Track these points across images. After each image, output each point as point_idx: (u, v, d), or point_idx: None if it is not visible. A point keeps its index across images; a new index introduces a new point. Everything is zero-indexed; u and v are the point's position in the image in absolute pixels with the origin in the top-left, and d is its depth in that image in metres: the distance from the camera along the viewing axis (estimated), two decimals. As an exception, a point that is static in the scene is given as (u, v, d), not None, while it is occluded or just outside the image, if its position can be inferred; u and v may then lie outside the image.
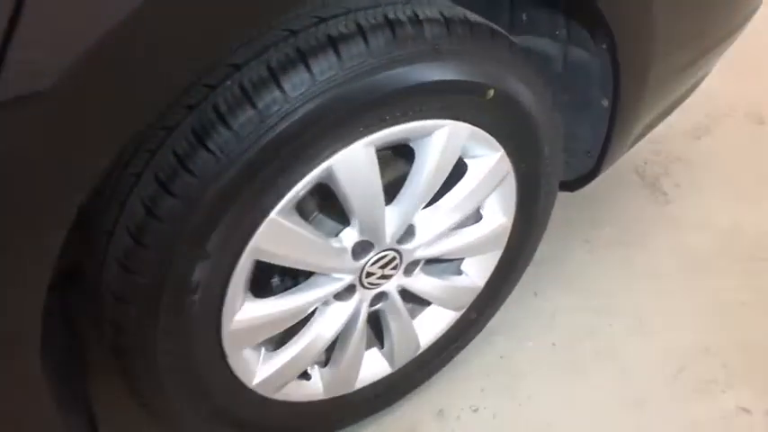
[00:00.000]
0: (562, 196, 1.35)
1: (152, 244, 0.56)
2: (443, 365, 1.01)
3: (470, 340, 1.02)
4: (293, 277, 0.75)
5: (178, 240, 0.56)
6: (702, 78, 1.11)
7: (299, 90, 0.55)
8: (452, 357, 1.01)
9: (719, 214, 1.37)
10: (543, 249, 1.24)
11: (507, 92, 0.69)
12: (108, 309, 0.60)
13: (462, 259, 0.90)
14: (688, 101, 1.72)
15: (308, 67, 0.54)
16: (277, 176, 0.58)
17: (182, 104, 0.55)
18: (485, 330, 1.05)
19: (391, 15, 0.58)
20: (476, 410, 1.00)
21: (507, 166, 0.78)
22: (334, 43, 0.55)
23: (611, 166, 0.97)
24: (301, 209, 0.69)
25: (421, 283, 0.85)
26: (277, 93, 0.54)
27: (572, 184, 1.01)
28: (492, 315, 1.01)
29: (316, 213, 0.72)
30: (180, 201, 0.55)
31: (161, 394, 0.68)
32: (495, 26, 0.66)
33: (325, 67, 0.55)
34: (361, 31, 0.56)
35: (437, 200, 0.76)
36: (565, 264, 1.24)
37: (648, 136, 1.57)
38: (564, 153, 0.94)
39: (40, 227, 0.47)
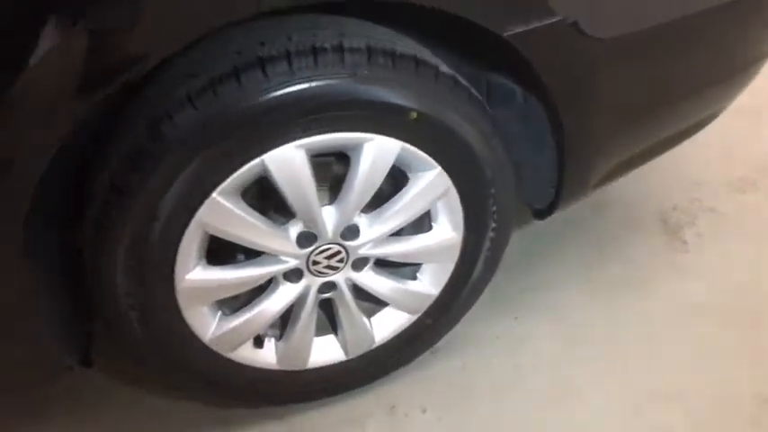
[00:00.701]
0: (573, 229, 1.40)
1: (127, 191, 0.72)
2: (401, 365, 1.10)
3: (429, 345, 1.10)
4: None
5: (136, 205, 0.73)
6: (707, 120, 1.12)
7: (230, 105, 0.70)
8: (410, 360, 1.10)
9: (735, 270, 1.33)
10: (540, 278, 1.30)
11: (432, 115, 0.79)
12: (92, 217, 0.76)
13: (420, 265, 1.00)
14: (743, 151, 1.67)
15: (239, 78, 0.69)
16: (219, 159, 0.73)
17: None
18: (456, 340, 1.13)
19: (318, 44, 0.71)
20: (424, 411, 1.07)
21: (446, 182, 0.87)
22: (262, 63, 0.69)
23: (574, 199, 1.02)
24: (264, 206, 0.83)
25: (371, 280, 0.95)
26: (212, 99, 0.69)
27: (539, 213, 1.06)
28: (450, 325, 1.08)
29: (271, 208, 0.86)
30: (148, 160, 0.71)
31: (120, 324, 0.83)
32: (423, 58, 0.77)
33: (256, 80, 0.70)
34: (288, 55, 0.70)
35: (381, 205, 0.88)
36: (557, 294, 1.28)
37: (689, 179, 1.56)
38: (527, 180, 1.01)
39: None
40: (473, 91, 0.83)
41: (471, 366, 1.14)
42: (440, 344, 1.11)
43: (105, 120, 0.73)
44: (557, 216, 1.06)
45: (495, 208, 0.93)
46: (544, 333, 1.20)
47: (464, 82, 0.82)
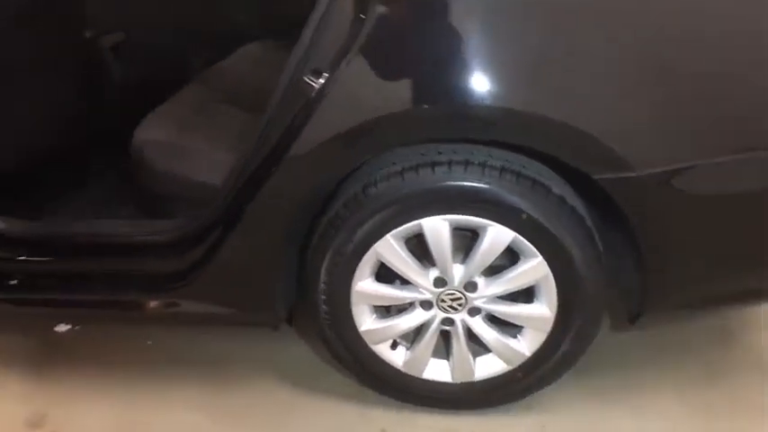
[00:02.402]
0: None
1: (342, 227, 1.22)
2: (490, 405, 1.41)
3: (517, 396, 1.39)
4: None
5: (343, 230, 1.22)
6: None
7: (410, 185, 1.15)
8: (499, 403, 1.40)
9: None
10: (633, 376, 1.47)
11: (539, 220, 1.14)
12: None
13: (521, 327, 1.32)
14: None
15: (417, 171, 1.15)
16: (394, 219, 1.19)
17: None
18: (539, 400, 1.39)
19: (470, 159, 1.13)
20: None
21: (546, 270, 1.20)
22: (433, 164, 1.14)
23: (660, 319, 1.24)
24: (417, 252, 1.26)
25: (480, 327, 1.31)
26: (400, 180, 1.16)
27: (632, 319, 1.30)
28: (538, 386, 1.37)
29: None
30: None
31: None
32: (540, 179, 1.14)
33: (427, 173, 1.15)
34: (449, 162, 1.13)
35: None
36: (647, 395, 1.44)
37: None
38: (615, 287, 1.28)
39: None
40: (577, 209, 1.17)
41: (551, 426, 1.39)
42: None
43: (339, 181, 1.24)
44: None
45: (584, 301, 1.23)
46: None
47: (570, 202, 1.16)
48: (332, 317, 1.33)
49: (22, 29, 1.54)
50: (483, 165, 1.13)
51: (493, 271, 1.26)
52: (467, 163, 1.14)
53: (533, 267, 1.20)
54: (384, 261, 1.25)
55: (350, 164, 1.18)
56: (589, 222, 1.19)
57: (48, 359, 1.65)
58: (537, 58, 1.07)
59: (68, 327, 1.71)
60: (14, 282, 1.48)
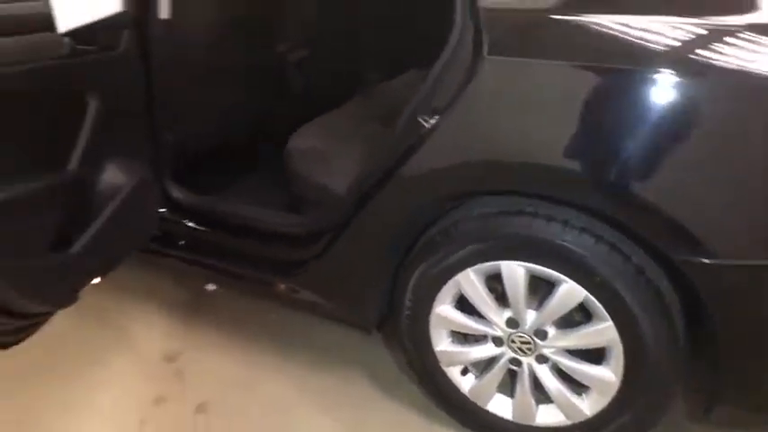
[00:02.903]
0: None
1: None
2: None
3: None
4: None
5: (432, 256, 1.35)
6: None
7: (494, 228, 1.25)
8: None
9: None
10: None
11: (614, 286, 1.16)
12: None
13: (588, 387, 1.33)
14: None
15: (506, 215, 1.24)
16: (477, 256, 1.29)
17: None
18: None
19: (553, 215, 1.19)
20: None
21: (614, 335, 1.21)
22: (520, 213, 1.22)
23: (735, 419, 1.17)
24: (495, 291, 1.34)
25: (546, 376, 1.35)
26: (487, 221, 1.26)
27: (706, 411, 1.24)
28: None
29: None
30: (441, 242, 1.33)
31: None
32: (620, 246, 1.15)
33: (508, 221, 1.23)
34: (535, 214, 1.20)
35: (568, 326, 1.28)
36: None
37: None
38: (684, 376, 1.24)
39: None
40: (656, 283, 1.16)
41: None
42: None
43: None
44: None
45: (651, 378, 1.21)
46: None
47: (650, 275, 1.16)
48: (412, 332, 1.47)
49: (230, 41, 1.91)
50: (565, 222, 1.19)
51: (566, 324, 1.30)
52: (550, 218, 1.20)
53: (602, 330, 1.22)
54: (462, 291, 1.35)
55: (444, 198, 1.31)
56: (669, 301, 1.17)
57: (193, 309, 2.01)
58: (650, 149, 1.10)
59: (215, 287, 2.07)
60: (182, 242, 1.84)
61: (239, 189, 1.98)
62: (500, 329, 1.36)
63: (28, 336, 1.43)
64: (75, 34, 1.20)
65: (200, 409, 1.64)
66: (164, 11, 1.60)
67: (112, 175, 1.43)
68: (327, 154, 1.73)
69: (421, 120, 1.25)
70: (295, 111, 2.09)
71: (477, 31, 1.16)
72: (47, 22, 1.03)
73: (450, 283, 1.35)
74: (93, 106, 1.32)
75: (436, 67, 1.24)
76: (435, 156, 1.28)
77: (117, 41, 1.38)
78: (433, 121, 1.24)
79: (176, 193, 1.79)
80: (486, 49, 1.14)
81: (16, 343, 1.41)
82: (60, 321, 1.52)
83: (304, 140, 1.78)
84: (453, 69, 1.21)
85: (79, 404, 1.65)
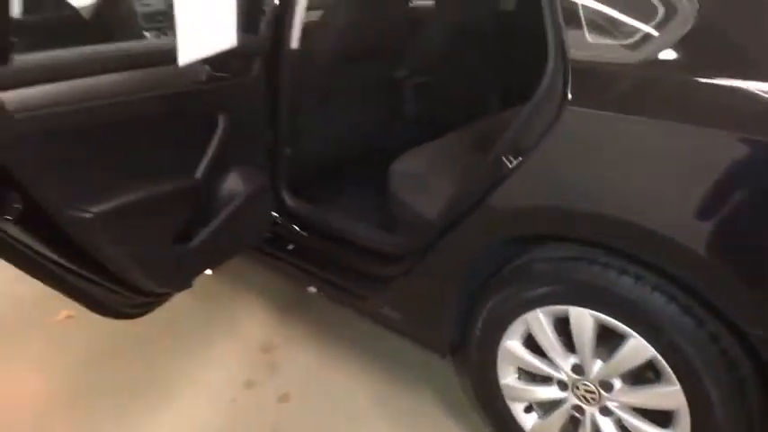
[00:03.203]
0: None
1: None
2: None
3: None
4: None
5: (504, 291, 1.39)
6: None
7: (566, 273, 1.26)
8: None
9: None
10: None
11: (686, 352, 1.12)
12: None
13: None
14: None
15: (562, 262, 1.25)
16: (547, 297, 1.31)
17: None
18: None
19: (628, 268, 1.18)
20: None
21: (682, 401, 1.17)
22: (589, 260, 1.23)
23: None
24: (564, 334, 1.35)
25: (608, 429, 1.33)
26: (559, 265, 1.27)
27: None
28: None
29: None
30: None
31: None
32: (692, 309, 1.11)
33: (572, 266, 1.24)
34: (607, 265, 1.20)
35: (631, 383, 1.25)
36: None
37: None
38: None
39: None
40: (731, 355, 1.11)
41: None
42: None
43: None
44: None
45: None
46: None
47: (725, 344, 1.11)
48: (480, 362, 1.51)
49: (351, 68, 2.08)
50: (637, 277, 1.17)
51: (635, 379, 1.27)
52: (622, 270, 1.19)
53: (669, 393, 1.19)
54: (530, 330, 1.37)
55: (520, 237, 1.35)
56: (743, 375, 1.11)
57: (294, 308, 2.20)
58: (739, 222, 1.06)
59: (315, 290, 2.24)
60: (290, 247, 2.04)
61: (346, 203, 2.13)
62: (565, 374, 1.36)
63: (151, 310, 1.68)
64: (213, 62, 1.41)
65: (283, 398, 1.80)
66: (294, 43, 1.80)
67: (233, 183, 1.64)
68: (425, 179, 1.82)
69: (505, 159, 1.31)
70: (409, 134, 2.21)
71: (565, 81, 1.19)
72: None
73: (520, 320, 1.38)
74: (222, 123, 1.53)
75: (525, 108, 1.29)
76: (515, 196, 1.32)
77: (249, 68, 1.59)
78: (515, 162, 1.29)
79: (290, 201, 1.98)
80: (569, 98, 1.17)
81: (141, 315, 1.66)
82: (177, 302, 1.76)
83: (406, 164, 1.89)
84: (540, 114, 1.25)
85: (181, 374, 1.90)
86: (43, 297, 2.17)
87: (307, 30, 1.87)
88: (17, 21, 2.08)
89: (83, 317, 1.93)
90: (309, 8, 1.92)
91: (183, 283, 1.60)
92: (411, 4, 3.25)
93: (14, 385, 1.91)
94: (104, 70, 1.28)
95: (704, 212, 1.08)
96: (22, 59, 1.14)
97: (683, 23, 1.11)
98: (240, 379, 1.88)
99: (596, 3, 1.20)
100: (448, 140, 2.06)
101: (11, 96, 1.09)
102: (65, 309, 2.13)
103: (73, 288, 1.42)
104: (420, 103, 2.38)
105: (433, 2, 2.63)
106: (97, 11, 2.36)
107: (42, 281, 1.36)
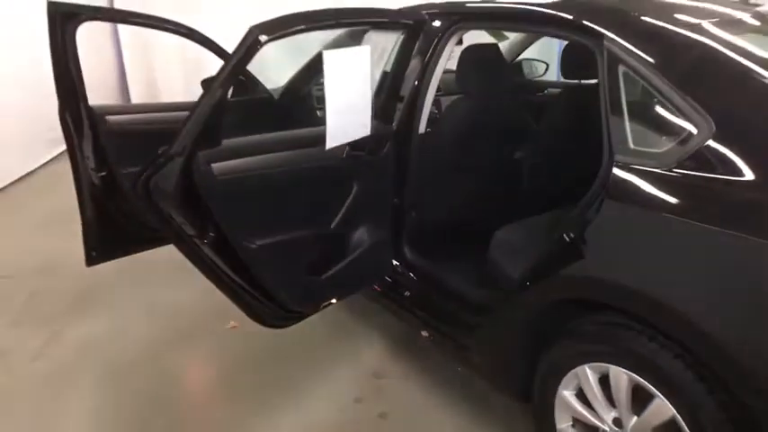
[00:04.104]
0: None
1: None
2: None
3: None
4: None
5: (560, 347, 1.65)
6: None
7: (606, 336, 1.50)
8: None
9: None
10: None
11: (693, 409, 1.31)
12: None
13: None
14: None
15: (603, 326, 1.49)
16: (591, 355, 1.55)
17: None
18: None
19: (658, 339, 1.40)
20: None
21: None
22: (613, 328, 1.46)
23: None
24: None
25: (642, 479, 1.50)
26: (601, 329, 1.52)
27: None
28: None
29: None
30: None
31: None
32: (705, 377, 1.29)
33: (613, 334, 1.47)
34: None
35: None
36: None
37: None
38: None
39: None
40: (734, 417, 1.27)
41: None
42: None
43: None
44: None
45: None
46: None
47: (732, 411, 1.27)
48: (540, 408, 1.77)
49: (473, 148, 2.48)
50: (662, 345, 1.39)
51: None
52: (651, 338, 1.41)
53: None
54: (579, 382, 1.61)
55: (571, 301, 1.61)
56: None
57: (405, 344, 2.59)
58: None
59: (427, 335, 2.61)
60: (407, 293, 2.44)
61: (454, 260, 2.50)
62: (608, 426, 1.57)
63: (291, 324, 2.18)
64: (352, 144, 1.91)
65: (382, 416, 2.18)
66: (422, 128, 2.27)
67: (360, 234, 2.11)
68: (517, 246, 2.14)
69: (565, 235, 1.60)
70: (521, 208, 2.54)
71: (608, 178, 1.48)
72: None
73: (571, 373, 1.63)
74: (356, 188, 2.02)
75: (587, 195, 1.58)
76: (569, 266, 1.60)
77: (381, 148, 2.07)
78: (570, 238, 1.58)
79: (409, 254, 2.41)
80: (610, 193, 1.47)
81: (284, 326, 2.16)
82: (310, 324, 2.24)
83: (506, 233, 2.22)
84: (592, 202, 1.54)
85: (307, 382, 2.37)
86: (217, 310, 2.84)
87: (436, 116, 2.32)
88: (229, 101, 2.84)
89: (243, 328, 2.53)
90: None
91: (313, 306, 2.09)
92: (541, 94, 3.62)
93: (186, 379, 2.53)
94: (275, 150, 1.84)
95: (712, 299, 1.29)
96: (227, 142, 1.73)
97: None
98: (352, 395, 2.30)
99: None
100: (546, 216, 2.35)
101: (218, 166, 1.68)
102: (232, 320, 2.75)
103: (240, 299, 1.97)
104: (535, 180, 2.69)
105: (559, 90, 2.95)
106: (284, 92, 3.08)
107: (221, 290, 1.92)
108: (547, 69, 3.76)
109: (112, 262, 2.57)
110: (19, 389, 2.37)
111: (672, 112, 1.45)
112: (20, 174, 5.09)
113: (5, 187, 4.85)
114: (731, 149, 1.34)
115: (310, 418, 2.19)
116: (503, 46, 3.70)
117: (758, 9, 2.04)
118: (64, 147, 2.33)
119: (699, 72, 1.51)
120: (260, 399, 2.29)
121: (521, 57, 3.77)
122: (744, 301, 1.24)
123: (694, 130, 1.40)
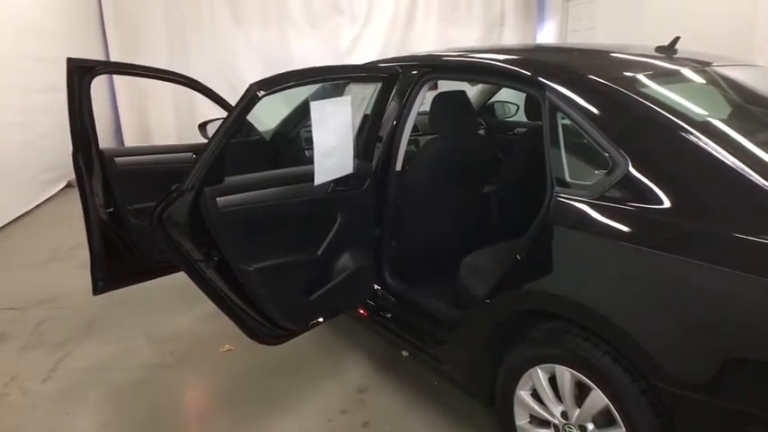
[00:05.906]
0: None
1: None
2: None
3: None
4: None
5: (516, 352, 1.92)
6: None
7: (551, 340, 1.78)
8: None
9: None
10: None
11: (622, 396, 1.58)
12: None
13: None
14: None
15: (548, 331, 1.77)
16: (540, 357, 1.82)
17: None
18: None
19: (591, 340, 1.68)
20: None
21: (626, 440, 1.60)
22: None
23: None
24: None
25: (587, 464, 1.76)
26: (548, 334, 1.80)
27: None
28: None
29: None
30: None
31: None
32: (629, 369, 1.57)
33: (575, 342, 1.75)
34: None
35: None
36: None
37: None
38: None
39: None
40: (655, 404, 1.54)
41: None
42: None
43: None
44: None
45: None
46: None
47: (650, 398, 1.55)
48: (502, 408, 2.02)
49: (445, 185, 2.78)
50: (595, 345, 1.67)
51: (607, 424, 1.71)
52: (586, 339, 1.69)
53: (622, 436, 1.63)
54: (533, 382, 1.88)
55: (524, 312, 1.89)
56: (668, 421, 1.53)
57: (388, 361, 2.84)
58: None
59: (407, 354, 2.86)
60: (388, 315, 2.70)
61: (429, 284, 2.77)
62: (557, 419, 1.83)
63: (284, 341, 2.42)
64: (336, 180, 2.21)
65: (366, 425, 2.42)
66: (398, 166, 2.57)
67: (344, 260, 2.38)
68: (482, 269, 2.42)
69: (518, 256, 1.89)
70: (490, 236, 2.83)
71: (549, 206, 1.79)
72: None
73: (526, 374, 1.90)
74: (340, 220, 2.30)
75: (535, 222, 1.88)
76: (521, 282, 1.88)
77: (362, 184, 2.37)
78: (521, 258, 1.87)
79: (389, 279, 2.68)
80: (551, 219, 1.77)
81: (277, 344, 2.40)
82: (299, 343, 2.48)
83: (473, 258, 2.51)
84: (538, 227, 1.84)
85: (296, 395, 2.60)
86: (213, 334, 3.08)
87: (410, 155, 2.63)
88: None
89: (238, 350, 2.78)
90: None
91: (302, 324, 2.34)
92: (511, 133, 3.97)
93: (188, 395, 2.74)
94: (270, 186, 2.13)
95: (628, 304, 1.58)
96: (228, 180, 2.02)
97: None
98: (338, 407, 2.53)
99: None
100: (509, 243, 2.65)
101: (221, 200, 1.96)
102: (227, 344, 2.98)
103: (238, 317, 2.22)
104: (502, 211, 2.99)
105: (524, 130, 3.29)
106: (274, 135, 3.39)
107: (221, 309, 2.18)
108: (517, 110, 4.13)
109: (114, 293, 2.82)
110: (31, 407, 2.58)
111: (597, 151, 1.76)
112: (17, 214, 5.33)
113: (3, 227, 5.07)
114: (646, 179, 1.65)
115: (301, 427, 2.42)
116: (477, 89, 4.08)
117: (708, 68, 2.25)
118: (58, 188, 2.57)
119: (619, 117, 1.82)
120: (254, 411, 2.52)
121: (494, 99, 4.15)
122: (653, 306, 1.53)
123: (615, 165, 1.71)
